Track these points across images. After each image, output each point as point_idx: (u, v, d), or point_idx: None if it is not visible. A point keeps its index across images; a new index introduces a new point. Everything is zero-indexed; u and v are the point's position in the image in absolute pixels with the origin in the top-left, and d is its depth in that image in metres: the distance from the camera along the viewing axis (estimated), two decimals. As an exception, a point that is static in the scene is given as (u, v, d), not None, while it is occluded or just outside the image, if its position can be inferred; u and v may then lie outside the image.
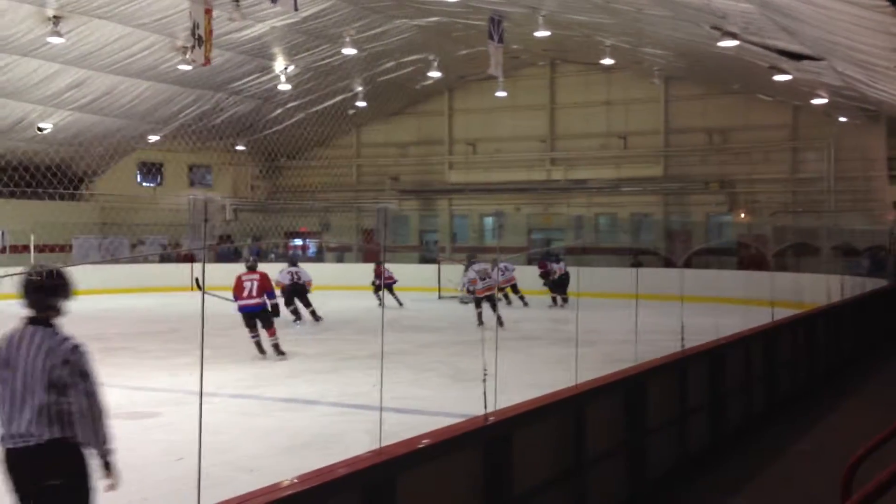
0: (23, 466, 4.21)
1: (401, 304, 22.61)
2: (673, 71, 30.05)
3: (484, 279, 18.25)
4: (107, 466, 4.44)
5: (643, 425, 6.80)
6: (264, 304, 14.20)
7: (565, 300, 23.05)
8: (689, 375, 7.88)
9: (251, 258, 15.12)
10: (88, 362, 4.39)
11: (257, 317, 14.14)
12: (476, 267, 18.49)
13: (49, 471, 4.21)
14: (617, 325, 16.38)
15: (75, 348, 4.35)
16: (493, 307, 17.38)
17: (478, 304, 18.22)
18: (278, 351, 14.13)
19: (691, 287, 18.72)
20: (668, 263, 26.30)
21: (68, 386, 4.28)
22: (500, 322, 15.40)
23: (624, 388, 6.71)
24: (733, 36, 18.23)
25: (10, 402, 4.25)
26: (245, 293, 14.04)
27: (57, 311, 4.46)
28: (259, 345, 14.11)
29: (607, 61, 27.08)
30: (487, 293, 18.10)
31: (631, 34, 24.35)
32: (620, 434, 6.61)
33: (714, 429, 8.45)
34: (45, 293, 4.43)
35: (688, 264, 26.80)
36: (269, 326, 14.23)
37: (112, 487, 4.46)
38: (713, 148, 31.76)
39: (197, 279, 17.87)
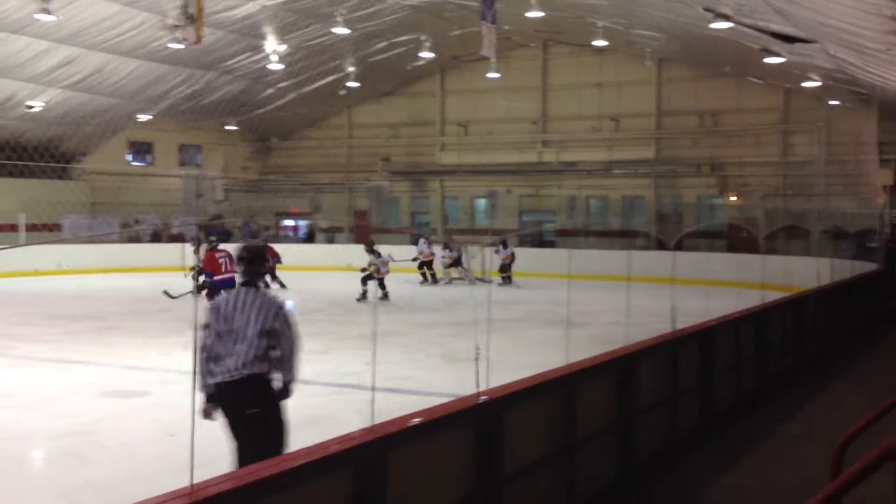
0: (234, 394, 5.33)
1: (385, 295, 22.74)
2: (665, 53, 30.02)
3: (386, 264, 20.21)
4: (286, 391, 5.56)
5: (634, 406, 6.83)
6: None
7: (509, 280, 23.97)
8: (679, 357, 7.91)
9: (213, 238, 16.42)
10: (290, 315, 5.54)
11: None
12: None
13: (254, 397, 5.38)
14: (608, 308, 16.48)
15: (282, 305, 5.55)
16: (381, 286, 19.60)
17: (377, 284, 19.59)
18: None
19: (682, 270, 18.78)
20: (660, 246, 26.38)
21: (278, 333, 5.43)
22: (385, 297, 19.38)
23: (615, 369, 6.74)
24: (726, 18, 18.22)
25: (226, 347, 5.36)
26: (223, 268, 15.09)
27: (262, 277, 5.79)
28: None
29: (600, 43, 27.04)
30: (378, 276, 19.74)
31: (623, 15, 24.31)
32: (611, 414, 6.64)
33: (704, 410, 8.50)
34: (256, 263, 5.70)
35: (679, 247, 26.89)
36: None
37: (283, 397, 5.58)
38: (705, 131, 31.77)
39: (165, 291, 18.32)
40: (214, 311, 5.50)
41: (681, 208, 32.20)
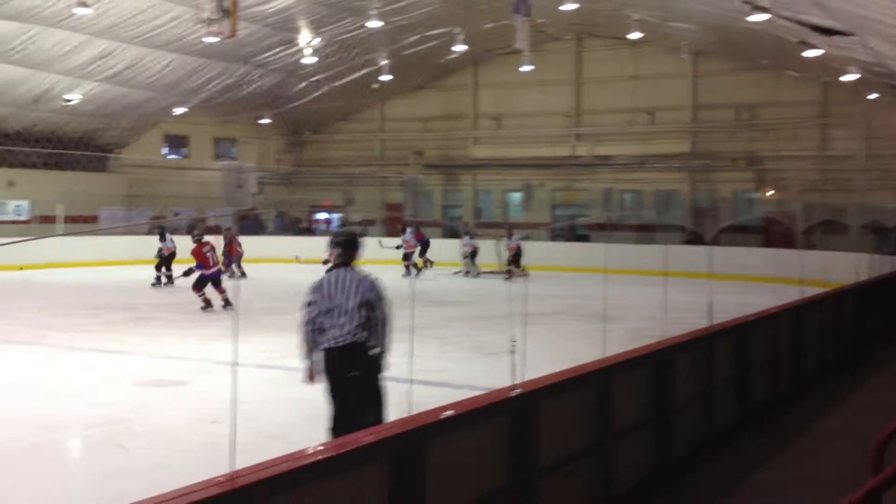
0: (339, 358, 6.09)
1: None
2: (701, 46, 29.72)
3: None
4: (379, 364, 6.22)
5: (670, 400, 6.78)
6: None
7: (510, 273, 23.78)
8: (716, 351, 7.84)
9: (196, 233, 17.55)
10: (383, 290, 6.28)
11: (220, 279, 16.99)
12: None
13: (359, 363, 6.09)
14: (642, 302, 16.38)
15: (375, 281, 6.27)
16: None
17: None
18: (229, 303, 16.62)
19: (719, 265, 18.61)
20: (696, 240, 26.16)
21: (374, 305, 6.17)
22: None
23: (651, 363, 6.69)
24: (764, 10, 17.99)
25: (332, 318, 6.11)
26: (210, 262, 16.77)
27: (355, 258, 6.34)
28: (228, 301, 16.64)
29: (635, 35, 26.82)
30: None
31: (659, 8, 24.10)
32: (647, 408, 6.59)
33: (740, 405, 8.42)
34: (352, 246, 6.36)
35: (715, 241, 26.65)
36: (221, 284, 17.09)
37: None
38: (741, 124, 31.45)
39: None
40: (318, 289, 6.23)
41: (717, 202, 31.88)
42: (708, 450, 7.47)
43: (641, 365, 6.59)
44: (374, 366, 6.19)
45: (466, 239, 25.66)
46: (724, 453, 7.59)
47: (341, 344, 6.07)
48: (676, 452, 6.86)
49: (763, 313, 9.49)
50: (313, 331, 6.19)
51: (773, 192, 31.09)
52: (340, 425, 6.02)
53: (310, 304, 6.20)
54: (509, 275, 23.60)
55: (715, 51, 30.26)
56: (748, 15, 18.59)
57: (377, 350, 6.24)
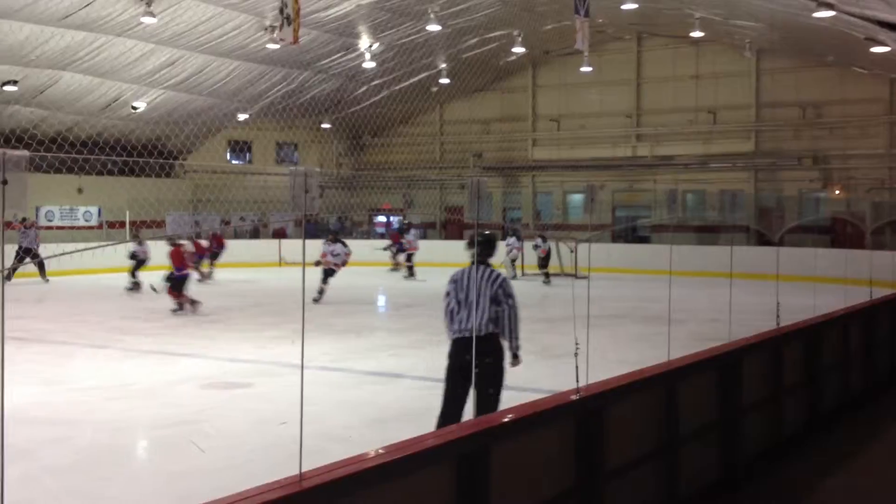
0: (466, 349, 6.34)
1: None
2: (765, 43, 29.20)
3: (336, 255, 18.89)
4: (515, 357, 6.68)
5: (737, 403, 6.67)
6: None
7: (546, 276, 24.02)
8: (784, 354, 7.70)
9: (172, 237, 19.10)
10: (511, 287, 6.72)
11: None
12: (336, 247, 18.95)
13: (487, 351, 6.43)
14: (705, 304, 16.13)
15: (504, 279, 6.74)
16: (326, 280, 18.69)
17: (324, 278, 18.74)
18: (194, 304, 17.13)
19: (784, 265, 18.24)
20: (761, 241, 25.71)
21: (501, 301, 6.59)
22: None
23: (717, 366, 6.59)
24: (829, 6, 17.62)
25: (466, 310, 6.61)
26: (185, 263, 17.45)
27: (491, 256, 6.94)
28: (193, 302, 17.05)
29: (696, 34, 26.46)
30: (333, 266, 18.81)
31: (721, 6, 23.75)
32: (713, 412, 6.50)
33: (811, 408, 8.25)
34: (488, 246, 6.99)
35: (781, 242, 26.16)
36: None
37: (515, 364, 6.70)
38: (806, 122, 30.82)
39: (152, 285, 18.93)
40: (455, 281, 6.81)
41: (782, 202, 31.28)
42: (777, 454, 7.33)
43: (708, 368, 6.50)
44: (500, 353, 6.66)
45: (512, 241, 25.59)
46: (795, 458, 7.45)
47: (468, 336, 6.52)
48: (744, 457, 6.75)
49: (832, 315, 9.29)
50: (451, 320, 6.78)
51: (839, 191, 30.39)
52: (450, 408, 6.57)
53: (447, 293, 6.84)
54: (547, 277, 23.83)
55: (778, 48, 29.71)
56: (813, 11, 18.22)
57: (504, 340, 6.70)
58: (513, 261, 25.33)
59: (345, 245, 19.14)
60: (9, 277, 22.67)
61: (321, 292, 18.48)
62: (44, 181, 25.79)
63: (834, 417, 8.67)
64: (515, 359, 6.67)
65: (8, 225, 24.67)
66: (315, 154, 38.24)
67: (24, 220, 23.02)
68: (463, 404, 6.45)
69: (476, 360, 6.00)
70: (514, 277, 24.85)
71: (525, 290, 21.15)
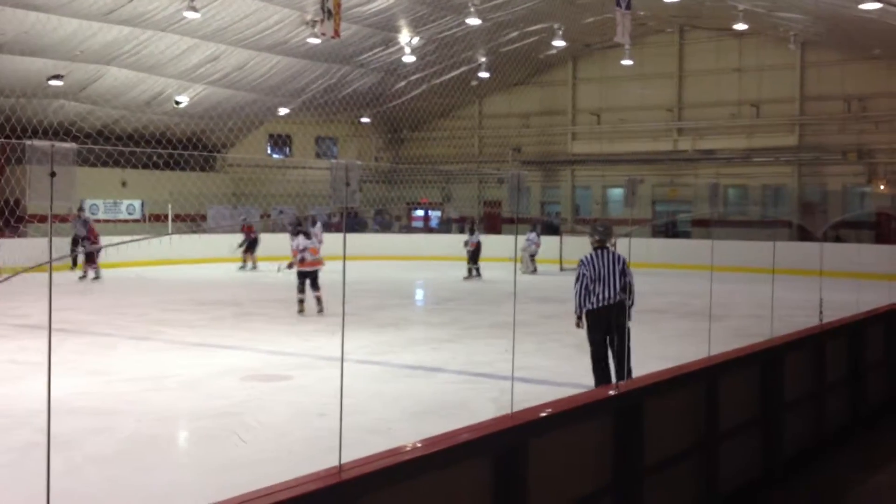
0: (610, 313, 8.35)
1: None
2: (809, 36, 28.77)
3: (303, 250, 15.54)
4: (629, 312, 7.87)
5: (779, 400, 6.59)
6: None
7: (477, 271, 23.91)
8: (827, 351, 7.59)
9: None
10: (627, 263, 8.53)
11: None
12: (300, 240, 15.71)
13: (623, 315, 7.98)
14: (746, 300, 15.98)
15: (624, 258, 8.55)
16: (315, 285, 15.43)
17: (301, 281, 15.64)
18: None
19: (828, 261, 17.98)
20: (803, 236, 25.37)
21: (627, 274, 8.42)
22: (319, 305, 15.27)
23: (759, 362, 6.52)
24: (877, -3, 17.32)
25: (601, 284, 8.44)
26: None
27: (610, 241, 8.63)
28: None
29: (740, 26, 26.14)
30: (311, 267, 15.55)
31: (766, -2, 23.44)
32: (754, 409, 6.43)
33: (854, 406, 8.13)
34: (608, 234, 8.68)
35: (824, 237, 25.80)
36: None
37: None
38: (851, 116, 30.30)
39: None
40: (585, 264, 8.58)
41: (826, 197, 30.81)
42: (819, 452, 7.24)
43: (749, 364, 6.44)
44: (628, 316, 7.89)
45: (532, 236, 25.47)
46: (838, 455, 7.35)
47: (611, 303, 8.39)
48: (785, 454, 6.67)
49: (876, 311, 9.15)
50: (585, 294, 8.50)
51: (884, 186, 29.86)
52: (604, 359, 8.58)
53: (581, 275, 8.56)
54: (471, 273, 23.63)
55: (823, 41, 29.24)
56: (860, 3, 17.94)
57: (631, 305, 8.25)
58: (531, 256, 25.24)
59: (309, 237, 15.86)
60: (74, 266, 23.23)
61: (301, 302, 15.55)
62: (89, 174, 26.20)
63: (879, 414, 8.53)
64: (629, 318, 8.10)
65: (57, 217, 25.14)
66: (354, 148, 38.40)
67: (80, 209, 23.53)
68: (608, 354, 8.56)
69: (611, 325, 8.24)
70: (534, 272, 24.77)
71: (556, 284, 21.16)
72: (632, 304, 8.25)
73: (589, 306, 8.54)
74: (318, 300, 15.39)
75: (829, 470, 7.00)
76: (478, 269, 23.84)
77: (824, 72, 30.52)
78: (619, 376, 7.66)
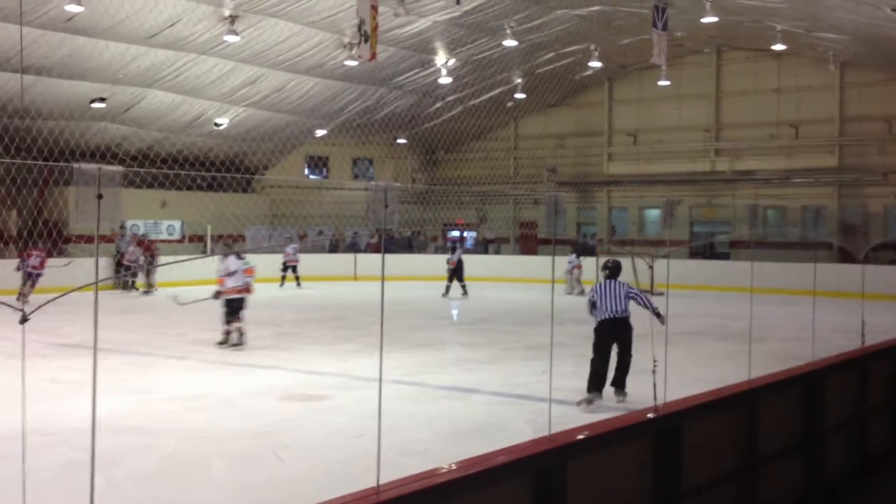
0: (616, 327, 9.60)
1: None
2: (849, 56, 28.50)
3: (232, 274, 13.90)
4: (659, 316, 8.74)
5: (820, 424, 6.50)
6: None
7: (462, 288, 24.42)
8: (870, 374, 7.48)
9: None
10: (636, 290, 9.78)
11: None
12: (230, 262, 14.05)
13: (627, 330, 9.63)
14: (786, 322, 15.77)
15: (629, 286, 9.79)
16: (237, 314, 13.90)
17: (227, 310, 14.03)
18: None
19: (870, 284, 17.73)
20: (844, 258, 25.03)
21: (635, 295, 9.61)
22: (238, 339, 13.71)
23: (800, 385, 6.44)
24: (918, 17, 17.13)
25: (610, 301, 9.61)
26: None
27: (618, 275, 9.93)
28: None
29: (778, 47, 25.97)
30: (236, 294, 13.91)
31: (805, 18, 23.27)
32: (796, 432, 6.35)
33: (897, 431, 7.99)
34: (617, 269, 9.99)
35: (865, 259, 25.43)
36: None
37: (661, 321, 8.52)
38: (892, 137, 29.90)
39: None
40: (595, 291, 9.87)
41: (867, 218, 30.38)
42: (863, 476, 7.11)
43: (790, 387, 6.36)
44: (631, 332, 9.66)
45: (573, 258, 25.38)
46: (880, 480, 7.21)
47: (618, 317, 9.60)
48: (828, 478, 6.56)
49: (921, 335, 8.98)
50: (592, 309, 9.81)
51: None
52: (601, 368, 9.68)
53: (592, 297, 9.90)
54: (447, 291, 23.99)
55: (863, 61, 28.95)
56: (901, 22, 17.76)
57: (655, 308, 9.14)
58: (577, 279, 25.11)
59: (240, 258, 14.10)
60: (127, 286, 23.72)
61: (236, 335, 13.91)
62: (130, 195, 26.57)
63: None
64: (659, 316, 8.81)
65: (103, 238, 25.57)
66: (390, 169, 38.60)
67: (121, 227, 23.96)
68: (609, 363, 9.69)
69: (614, 336, 9.63)
70: (582, 293, 24.63)
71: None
72: (653, 308, 9.09)
73: (595, 321, 9.80)
74: (239, 332, 13.71)
75: (872, 494, 6.88)
76: (463, 287, 24.30)
77: (864, 92, 30.19)
78: (617, 384, 9.73)
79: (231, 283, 13.78)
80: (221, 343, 13.94)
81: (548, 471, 4.01)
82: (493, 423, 8.91)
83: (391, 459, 6.89)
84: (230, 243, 15.06)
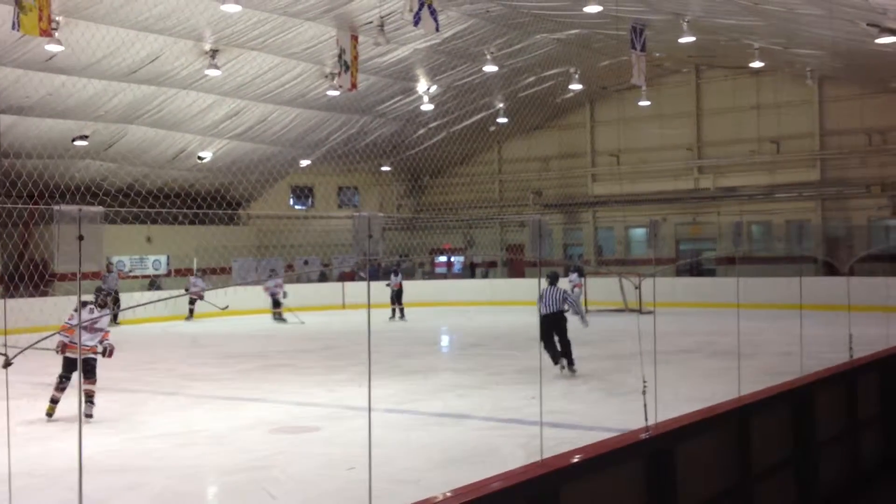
0: (554, 320, 13.28)
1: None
2: (827, 71, 28.79)
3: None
4: (584, 320, 14.08)
5: (812, 439, 6.50)
6: None
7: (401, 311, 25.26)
8: (859, 387, 7.49)
9: None
10: (570, 294, 14.08)
11: None
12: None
13: (561, 321, 13.41)
14: (775, 337, 15.81)
15: (565, 291, 13.77)
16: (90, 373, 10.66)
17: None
18: None
19: (856, 296, 17.80)
20: (829, 271, 25.16)
21: (567, 298, 13.54)
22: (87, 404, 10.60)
23: (790, 401, 6.45)
24: (893, 32, 17.35)
25: (549, 301, 13.31)
26: None
27: (557, 282, 13.82)
28: None
29: (756, 64, 26.23)
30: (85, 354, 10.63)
31: (781, 35, 23.51)
32: (788, 448, 6.35)
33: (890, 442, 7.99)
34: (556, 278, 13.92)
35: (850, 272, 25.55)
36: None
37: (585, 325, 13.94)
38: (873, 149, 30.17)
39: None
40: (541, 294, 13.52)
41: (851, 231, 30.57)
42: (856, 491, 7.11)
43: (781, 402, 6.36)
44: (566, 322, 13.41)
45: (573, 276, 25.36)
46: (874, 494, 7.21)
47: (552, 312, 13.15)
48: (822, 493, 6.56)
49: (909, 346, 9.02)
50: (539, 307, 12.98)
51: (911, 218, 29.60)
52: (551, 344, 13.34)
53: (539, 297, 13.49)
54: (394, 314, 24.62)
55: (841, 75, 29.25)
56: (876, 38, 17.95)
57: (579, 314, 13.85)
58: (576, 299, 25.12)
59: (106, 300, 12.14)
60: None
61: (53, 403, 10.77)
62: (115, 232, 26.42)
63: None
64: (583, 320, 13.99)
65: (87, 275, 25.44)
66: (375, 196, 38.65)
67: (108, 264, 23.82)
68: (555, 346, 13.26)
69: (552, 329, 13.20)
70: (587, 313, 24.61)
71: (581, 327, 21.08)
72: (579, 313, 13.98)
73: (541, 313, 13.22)
74: (88, 397, 10.71)
75: (868, 509, 6.88)
76: (401, 311, 24.69)
77: (843, 106, 30.49)
78: (565, 357, 13.38)
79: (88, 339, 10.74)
80: (49, 415, 10.82)
81: (541, 496, 4.00)
82: (486, 448, 8.88)
83: (385, 489, 6.86)
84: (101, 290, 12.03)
